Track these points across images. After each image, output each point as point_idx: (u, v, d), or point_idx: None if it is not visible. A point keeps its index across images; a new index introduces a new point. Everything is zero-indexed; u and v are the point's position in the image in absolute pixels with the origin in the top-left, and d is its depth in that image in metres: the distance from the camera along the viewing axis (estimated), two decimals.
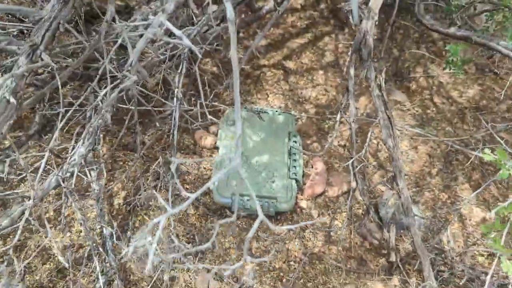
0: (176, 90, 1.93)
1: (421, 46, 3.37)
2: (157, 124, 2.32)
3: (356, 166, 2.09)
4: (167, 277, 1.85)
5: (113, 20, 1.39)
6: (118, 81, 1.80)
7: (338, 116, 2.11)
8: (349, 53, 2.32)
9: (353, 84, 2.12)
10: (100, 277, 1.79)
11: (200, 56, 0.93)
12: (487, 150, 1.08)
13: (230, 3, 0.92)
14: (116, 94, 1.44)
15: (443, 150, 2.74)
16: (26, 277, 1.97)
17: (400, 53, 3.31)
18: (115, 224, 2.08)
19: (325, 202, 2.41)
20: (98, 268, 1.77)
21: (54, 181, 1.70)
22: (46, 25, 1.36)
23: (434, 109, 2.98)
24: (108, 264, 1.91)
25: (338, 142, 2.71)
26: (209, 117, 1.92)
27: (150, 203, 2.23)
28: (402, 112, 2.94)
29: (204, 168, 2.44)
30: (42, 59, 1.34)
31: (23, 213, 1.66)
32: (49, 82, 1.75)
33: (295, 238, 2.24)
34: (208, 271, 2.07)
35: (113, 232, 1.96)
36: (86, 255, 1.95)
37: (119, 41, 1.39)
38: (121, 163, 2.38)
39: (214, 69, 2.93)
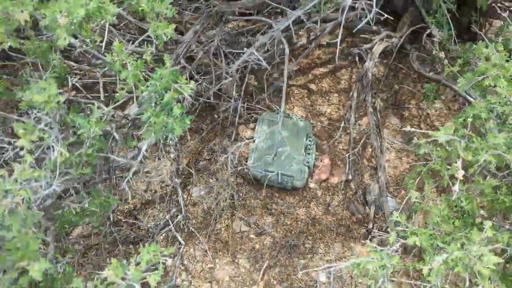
0: (235, 93, 2.91)
1: (417, 85, 4.29)
2: (216, 115, 3.30)
3: (351, 160, 3.01)
4: (216, 213, 2.80)
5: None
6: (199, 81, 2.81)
7: (342, 124, 3.05)
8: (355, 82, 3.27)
9: (355, 103, 3.06)
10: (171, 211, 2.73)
11: (269, 69, 1.85)
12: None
13: (287, 45, 1.89)
14: (218, 86, 2.43)
15: (421, 162, 3.62)
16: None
17: (400, 88, 4.24)
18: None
19: (327, 186, 3.32)
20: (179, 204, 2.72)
21: (153, 140, 2.68)
22: (185, 45, 2.36)
23: (419, 132, 3.88)
24: (176, 202, 2.86)
25: (342, 147, 3.63)
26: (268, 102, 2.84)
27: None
28: (395, 132, 3.86)
29: (243, 151, 3.40)
30: (180, 63, 2.34)
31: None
32: None
33: (303, 207, 3.16)
34: (241, 219, 3.00)
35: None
36: (164, 195, 2.91)
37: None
38: (186, 141, 3.36)
39: (256, 83, 3.93)
